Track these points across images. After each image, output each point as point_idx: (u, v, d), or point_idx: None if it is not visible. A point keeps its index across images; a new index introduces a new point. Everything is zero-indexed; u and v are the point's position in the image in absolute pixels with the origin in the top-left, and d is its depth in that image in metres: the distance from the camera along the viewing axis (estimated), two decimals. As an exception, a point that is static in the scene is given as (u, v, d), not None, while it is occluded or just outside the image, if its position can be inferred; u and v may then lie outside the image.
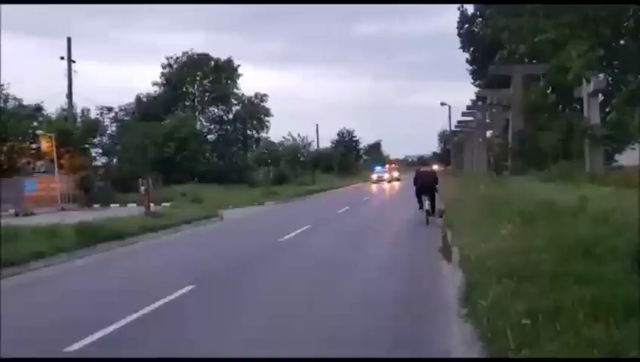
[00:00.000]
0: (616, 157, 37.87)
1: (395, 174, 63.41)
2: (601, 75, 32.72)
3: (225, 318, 6.97)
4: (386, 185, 52.69)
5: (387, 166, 68.77)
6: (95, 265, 11.81)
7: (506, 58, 39.58)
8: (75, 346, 5.81)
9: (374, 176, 59.64)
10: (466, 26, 54.11)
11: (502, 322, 4.90)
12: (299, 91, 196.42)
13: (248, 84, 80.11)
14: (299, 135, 70.70)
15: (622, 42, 40.07)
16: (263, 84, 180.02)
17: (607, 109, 35.49)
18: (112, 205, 30.13)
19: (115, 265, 12.00)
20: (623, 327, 4.58)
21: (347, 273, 9.79)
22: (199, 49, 61.02)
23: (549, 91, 37.15)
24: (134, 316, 6.95)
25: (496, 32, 41.94)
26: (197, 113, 59.04)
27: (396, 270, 9.87)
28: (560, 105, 44.12)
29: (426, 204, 16.32)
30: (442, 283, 8.42)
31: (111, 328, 6.41)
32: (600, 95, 32.34)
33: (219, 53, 77.13)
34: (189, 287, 8.56)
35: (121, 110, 50.31)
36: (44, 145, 34.62)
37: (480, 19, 50.51)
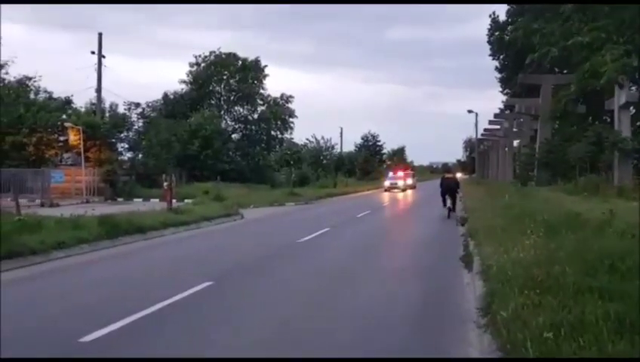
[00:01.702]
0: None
1: (410, 181, 54.35)
2: (634, 88, 32.04)
3: (240, 316, 6.92)
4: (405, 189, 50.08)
5: (401, 172, 56.03)
6: (114, 258, 11.88)
7: (536, 60, 38.87)
8: (88, 338, 5.82)
9: (387, 183, 50.89)
10: (497, 33, 53.52)
11: (522, 334, 4.76)
12: (325, 93, 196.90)
13: (274, 84, 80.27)
14: (322, 137, 70.78)
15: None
16: (290, 84, 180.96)
17: (638, 123, 34.75)
18: (135, 199, 30.48)
19: (134, 258, 12.07)
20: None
21: (365, 277, 9.68)
22: (228, 47, 61.42)
23: (580, 102, 36.56)
24: (152, 309, 6.95)
25: (528, 34, 41.31)
26: (222, 112, 59.42)
27: (415, 277, 9.72)
28: (590, 117, 43.35)
29: (448, 203, 21.21)
30: (463, 291, 8.28)
31: (123, 322, 6.40)
32: (632, 108, 31.69)
33: (247, 52, 77.49)
34: (207, 283, 8.58)
35: (148, 106, 50.95)
36: (72, 137, 35.27)
37: (511, 26, 49.85)
